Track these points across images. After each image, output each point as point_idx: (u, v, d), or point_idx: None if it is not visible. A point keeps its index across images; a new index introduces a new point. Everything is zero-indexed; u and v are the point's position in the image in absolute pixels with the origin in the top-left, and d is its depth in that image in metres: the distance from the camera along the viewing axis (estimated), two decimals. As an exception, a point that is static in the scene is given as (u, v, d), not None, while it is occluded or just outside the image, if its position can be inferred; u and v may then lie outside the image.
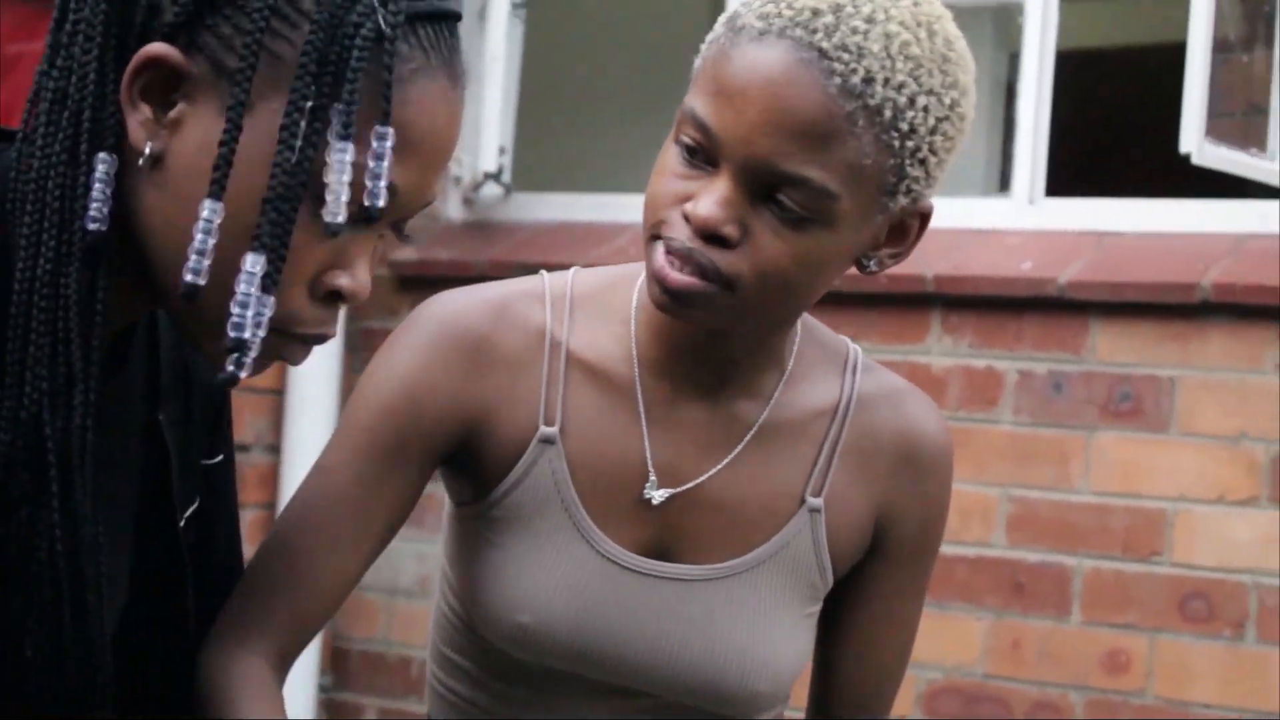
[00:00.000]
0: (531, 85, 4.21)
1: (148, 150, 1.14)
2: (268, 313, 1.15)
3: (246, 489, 3.99)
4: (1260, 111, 3.33)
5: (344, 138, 1.13)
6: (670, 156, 1.40)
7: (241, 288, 1.14)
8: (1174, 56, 3.31)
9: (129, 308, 1.23)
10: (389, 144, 1.14)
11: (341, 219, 1.15)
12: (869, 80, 1.34)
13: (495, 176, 4.00)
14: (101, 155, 1.14)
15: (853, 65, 1.34)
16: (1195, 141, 3.12)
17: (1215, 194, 3.41)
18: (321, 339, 1.22)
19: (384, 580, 3.99)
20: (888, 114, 1.34)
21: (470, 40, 4.09)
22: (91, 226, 1.14)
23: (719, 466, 1.50)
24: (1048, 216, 3.47)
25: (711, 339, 1.47)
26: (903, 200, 1.39)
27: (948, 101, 1.38)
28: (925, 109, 1.36)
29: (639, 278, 1.50)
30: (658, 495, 1.49)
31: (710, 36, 1.42)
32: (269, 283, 1.14)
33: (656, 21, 5.87)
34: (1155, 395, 3.20)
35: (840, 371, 1.54)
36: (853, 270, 1.45)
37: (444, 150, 1.20)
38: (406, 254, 4.02)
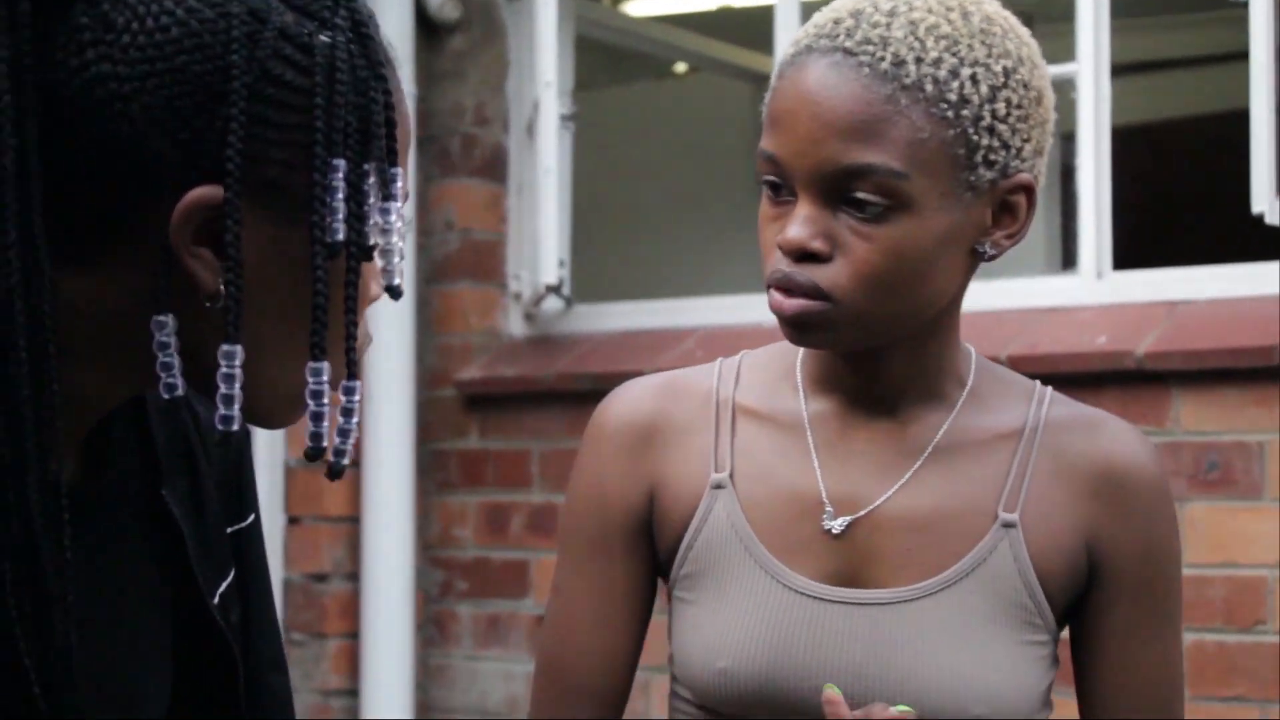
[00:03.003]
0: (581, 196, 4.21)
1: (222, 290, 1.08)
2: (327, 397, 1.10)
3: (329, 619, 3.96)
4: (1327, 169, 3.29)
5: (389, 198, 1.10)
6: (763, 203, 1.46)
7: (313, 405, 1.09)
8: (1226, 125, 3.29)
9: (107, 398, 1.16)
10: (399, 185, 1.10)
11: (399, 280, 1.12)
12: (900, 63, 1.39)
13: (556, 289, 3.99)
14: (157, 319, 1.08)
15: (879, 54, 1.40)
16: (1267, 201, 3.08)
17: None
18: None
19: (473, 702, 3.95)
20: (929, 88, 1.39)
21: (522, 155, 4.10)
22: (169, 395, 1.10)
23: (896, 487, 1.49)
24: (1117, 290, 3.43)
25: (872, 363, 1.49)
26: (986, 174, 1.41)
27: (999, 70, 1.41)
28: (973, 79, 1.40)
29: None
30: (836, 524, 1.49)
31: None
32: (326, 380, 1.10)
33: (701, 122, 5.89)
34: (1244, 462, 3.14)
35: (1026, 401, 1.54)
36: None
37: (409, 143, 1.18)
38: (471, 372, 4.00)
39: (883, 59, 1.39)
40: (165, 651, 1.25)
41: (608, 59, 5.48)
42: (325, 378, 1.09)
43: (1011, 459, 1.50)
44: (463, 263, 4.08)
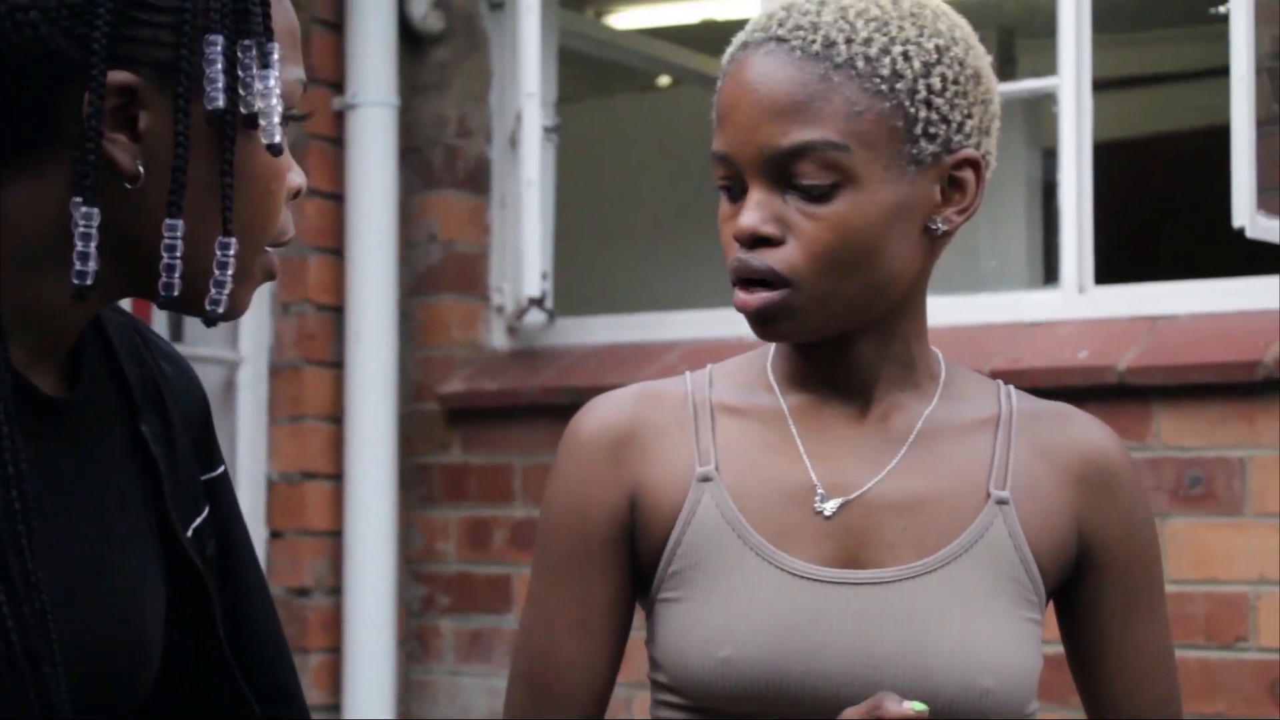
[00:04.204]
0: (564, 208, 4.20)
1: (141, 171, 1.17)
2: (231, 271, 1.20)
3: (311, 633, 3.95)
4: (1307, 183, 3.30)
5: (267, 66, 1.19)
6: (721, 206, 1.50)
7: (217, 274, 1.19)
8: (1207, 140, 3.29)
9: (73, 308, 1.23)
10: (275, 56, 1.20)
11: (279, 138, 1.21)
12: (830, 44, 1.45)
13: (539, 302, 3.98)
14: (74, 201, 1.15)
15: (810, 38, 1.45)
16: (1247, 215, 3.09)
17: (1264, 271, 3.38)
18: (286, 242, 1.28)
19: (455, 717, 3.94)
20: (860, 64, 1.44)
21: (505, 166, 4.10)
22: (79, 283, 1.16)
23: (885, 472, 1.51)
24: (1098, 304, 3.44)
25: (841, 355, 1.52)
26: (928, 146, 1.46)
27: (930, 47, 1.46)
28: (905, 55, 1.45)
29: (771, 347, 1.58)
30: (829, 506, 1.50)
31: None
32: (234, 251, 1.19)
33: (684, 135, 5.89)
34: (1226, 477, 3.14)
35: (995, 394, 1.57)
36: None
37: (296, 32, 1.27)
38: (454, 386, 4.00)
39: (814, 41, 1.45)
40: (158, 568, 1.31)
41: (591, 71, 5.48)
42: (233, 252, 1.19)
43: (994, 442, 1.53)
44: (445, 275, 4.08)
